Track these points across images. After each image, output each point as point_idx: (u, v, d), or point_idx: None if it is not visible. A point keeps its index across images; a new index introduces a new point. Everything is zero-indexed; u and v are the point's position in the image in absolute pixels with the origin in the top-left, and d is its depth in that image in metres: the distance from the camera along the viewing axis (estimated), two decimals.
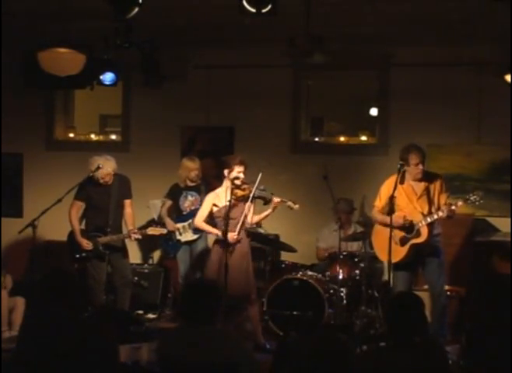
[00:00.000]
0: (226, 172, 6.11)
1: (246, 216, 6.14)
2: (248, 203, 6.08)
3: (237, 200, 6.06)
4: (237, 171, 6.04)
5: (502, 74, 7.13)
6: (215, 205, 6.17)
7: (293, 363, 3.08)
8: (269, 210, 6.17)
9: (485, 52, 7.39)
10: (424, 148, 7.63)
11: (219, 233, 6.04)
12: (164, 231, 7.06)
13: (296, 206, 6.13)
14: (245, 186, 6.06)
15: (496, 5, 5.24)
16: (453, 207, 5.82)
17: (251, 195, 6.02)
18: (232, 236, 5.99)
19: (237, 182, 6.02)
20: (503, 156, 7.63)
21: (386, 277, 6.76)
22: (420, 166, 5.98)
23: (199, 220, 6.25)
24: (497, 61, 7.17)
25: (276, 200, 6.05)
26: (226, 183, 6.12)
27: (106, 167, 6.73)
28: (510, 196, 7.51)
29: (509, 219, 7.43)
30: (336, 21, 6.86)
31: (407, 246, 5.97)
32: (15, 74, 7.26)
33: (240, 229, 6.06)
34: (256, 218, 6.29)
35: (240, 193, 6.05)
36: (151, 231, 6.94)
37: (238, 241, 6.06)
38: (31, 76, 6.91)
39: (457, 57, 7.63)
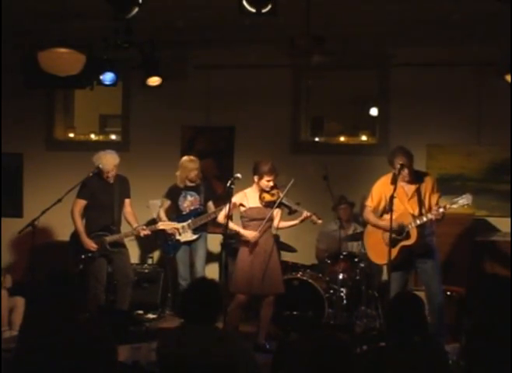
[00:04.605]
0: (255, 178, 6.13)
1: (272, 219, 6.18)
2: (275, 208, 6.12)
3: (265, 206, 6.13)
4: (266, 180, 6.07)
5: (502, 75, 7.13)
6: (242, 205, 6.20)
7: (293, 363, 3.08)
8: (296, 221, 6.22)
9: (485, 52, 7.39)
10: (424, 148, 7.65)
11: (243, 233, 6.10)
12: (175, 225, 7.09)
13: (320, 221, 6.20)
14: (274, 192, 6.11)
15: (496, 5, 5.23)
16: (441, 210, 5.82)
17: (278, 201, 6.06)
18: (253, 235, 6.05)
19: (266, 188, 6.09)
20: (503, 156, 7.63)
21: (385, 277, 6.77)
22: (406, 170, 5.94)
23: (221, 217, 6.21)
24: (497, 61, 7.17)
25: (305, 214, 6.09)
26: (256, 185, 6.17)
27: (111, 161, 6.75)
28: (510, 197, 7.51)
29: (509, 219, 7.44)
30: (336, 21, 6.86)
31: (397, 248, 5.94)
32: (15, 74, 7.26)
33: (262, 230, 6.10)
34: (282, 224, 6.32)
35: (267, 197, 6.12)
36: (161, 225, 7.00)
37: (256, 243, 6.10)
38: (31, 76, 6.90)
39: (457, 57, 7.63)
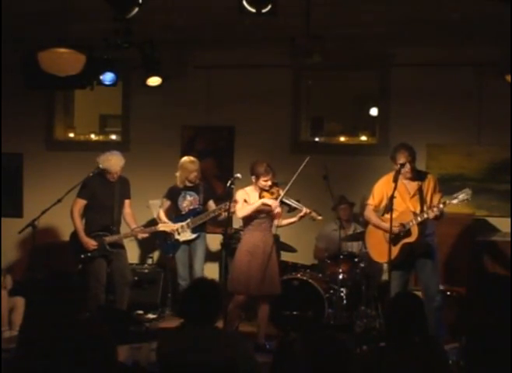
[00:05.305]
0: (253, 178, 6.16)
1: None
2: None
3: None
4: (263, 180, 6.10)
5: (502, 75, 7.13)
6: (245, 201, 6.22)
7: (293, 363, 3.08)
8: (295, 219, 6.25)
9: (485, 52, 7.39)
10: (424, 148, 7.64)
11: (264, 201, 6.11)
12: (175, 226, 7.09)
13: (320, 217, 6.22)
14: (274, 190, 6.13)
15: (496, 6, 5.24)
16: (441, 206, 5.82)
17: (278, 199, 6.09)
18: (275, 204, 6.08)
19: (265, 188, 6.13)
20: (503, 156, 7.63)
21: (385, 277, 6.77)
22: (408, 165, 5.96)
23: (240, 211, 6.20)
24: (497, 61, 7.17)
25: (305, 211, 6.10)
26: (255, 185, 6.19)
27: (118, 162, 6.77)
28: (510, 196, 7.51)
29: (509, 219, 7.44)
30: (336, 21, 6.86)
31: (398, 246, 5.96)
32: (15, 75, 7.25)
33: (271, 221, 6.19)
34: (282, 222, 6.33)
35: (267, 196, 6.15)
36: (162, 227, 7.01)
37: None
38: (31, 76, 6.90)
39: (457, 57, 7.63)
